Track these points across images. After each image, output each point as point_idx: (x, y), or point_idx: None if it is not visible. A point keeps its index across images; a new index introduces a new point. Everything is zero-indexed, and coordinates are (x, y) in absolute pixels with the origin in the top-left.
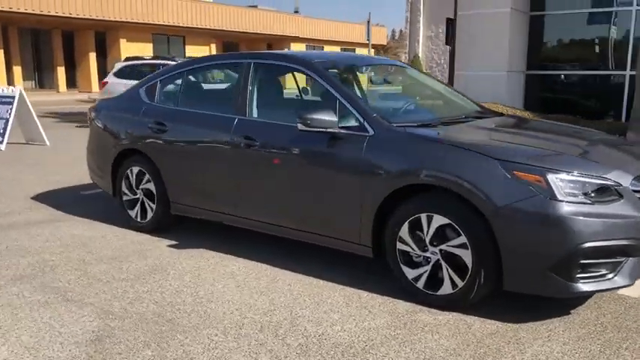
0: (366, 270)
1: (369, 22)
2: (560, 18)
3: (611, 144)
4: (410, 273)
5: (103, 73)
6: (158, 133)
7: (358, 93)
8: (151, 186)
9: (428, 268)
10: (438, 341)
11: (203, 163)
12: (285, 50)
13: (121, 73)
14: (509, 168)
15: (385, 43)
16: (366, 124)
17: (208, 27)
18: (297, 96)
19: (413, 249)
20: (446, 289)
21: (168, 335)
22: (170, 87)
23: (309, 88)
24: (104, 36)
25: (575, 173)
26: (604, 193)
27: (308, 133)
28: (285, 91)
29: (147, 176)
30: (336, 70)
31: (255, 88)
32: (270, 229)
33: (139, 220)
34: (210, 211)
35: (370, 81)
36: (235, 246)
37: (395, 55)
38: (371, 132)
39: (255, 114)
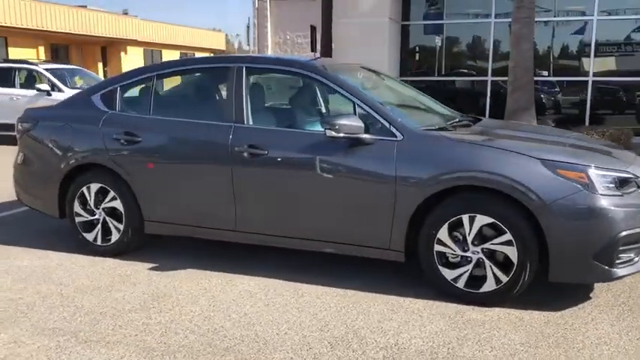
0: (387, 275)
1: (248, 27)
2: (429, 27)
3: (595, 143)
4: (448, 274)
5: None
6: (128, 145)
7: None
8: (117, 204)
9: (469, 267)
10: (507, 336)
11: (191, 176)
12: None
13: None
14: (552, 166)
15: (224, 48)
16: (392, 128)
17: (33, 27)
18: (294, 102)
19: (452, 250)
20: (489, 286)
21: None
22: (135, 93)
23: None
24: None
25: (608, 168)
26: (627, 185)
27: (328, 140)
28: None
29: (111, 194)
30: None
31: (251, 94)
32: (282, 242)
33: (99, 243)
34: (202, 227)
35: None
36: (226, 263)
37: None
38: (399, 137)
39: (254, 121)
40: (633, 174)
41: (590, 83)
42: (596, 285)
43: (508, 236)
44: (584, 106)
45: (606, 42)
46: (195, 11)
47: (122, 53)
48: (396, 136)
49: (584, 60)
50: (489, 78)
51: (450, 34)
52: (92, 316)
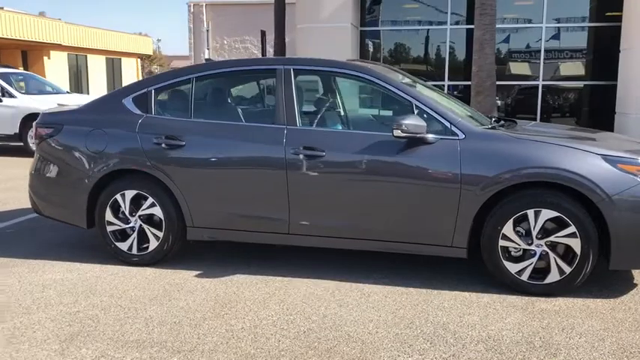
0: (440, 271)
1: (208, 31)
2: (388, 33)
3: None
4: (513, 267)
5: None
6: (170, 149)
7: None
8: (156, 211)
9: (533, 260)
10: (586, 323)
11: (241, 179)
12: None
13: None
14: (612, 161)
15: (151, 53)
16: (453, 127)
17: None
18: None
19: (517, 244)
20: (553, 277)
21: None
22: (173, 96)
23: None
24: None
25: None
26: None
27: (388, 140)
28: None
29: (150, 200)
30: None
31: (301, 96)
32: (340, 244)
33: (133, 252)
34: (252, 231)
35: None
36: (275, 267)
37: (162, 65)
38: (461, 136)
39: (306, 123)
40: None
41: (540, 87)
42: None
43: (572, 229)
44: (534, 108)
45: (554, 48)
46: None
47: (45, 58)
48: (458, 135)
49: (534, 65)
50: (446, 82)
51: (406, 40)
52: (168, 326)
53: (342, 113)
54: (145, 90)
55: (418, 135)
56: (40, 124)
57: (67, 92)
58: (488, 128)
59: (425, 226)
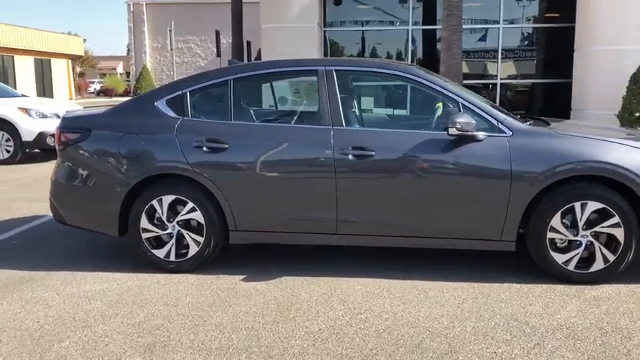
0: (480, 265)
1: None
2: (351, 34)
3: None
4: (560, 258)
5: None
6: (212, 153)
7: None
8: (197, 215)
9: (579, 250)
10: None
11: (288, 180)
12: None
13: None
14: None
15: (82, 54)
16: (500, 125)
17: None
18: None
19: (564, 235)
20: (598, 265)
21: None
22: (210, 99)
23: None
24: None
25: None
26: None
27: (437, 138)
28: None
29: (189, 205)
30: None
31: (343, 97)
32: (389, 242)
33: (171, 259)
34: (298, 233)
35: None
36: (320, 268)
37: (92, 67)
38: (509, 133)
39: (351, 124)
40: None
41: (498, 86)
42: None
43: (616, 219)
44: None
45: (510, 48)
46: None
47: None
48: (505, 133)
49: (493, 64)
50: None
51: (369, 40)
52: (244, 332)
53: (389, 112)
54: (180, 92)
55: (468, 133)
56: (64, 128)
57: (23, 95)
58: (531, 125)
59: (476, 222)
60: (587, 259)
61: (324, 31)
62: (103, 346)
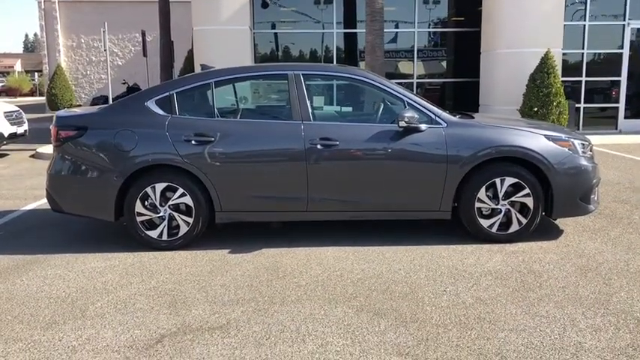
0: (416, 232)
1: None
2: (279, 36)
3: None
4: (485, 223)
5: None
6: (200, 145)
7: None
8: (186, 199)
9: (500, 216)
10: (549, 257)
11: (265, 167)
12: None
13: None
14: (552, 139)
15: None
16: (437, 118)
17: None
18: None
19: (488, 205)
20: (514, 227)
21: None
22: (195, 98)
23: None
24: None
25: (581, 138)
26: (585, 148)
27: (389, 130)
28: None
29: (180, 191)
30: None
31: (310, 97)
32: (350, 216)
33: (164, 238)
34: (274, 212)
35: None
36: (284, 240)
37: None
38: (444, 124)
39: (317, 118)
40: (588, 141)
41: (415, 84)
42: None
43: (527, 190)
44: None
45: (425, 49)
46: None
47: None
48: (441, 124)
49: (409, 64)
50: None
51: (294, 42)
52: (247, 289)
53: (344, 110)
54: (168, 93)
55: (413, 125)
56: (60, 126)
57: None
58: (461, 118)
59: (419, 197)
60: (506, 223)
61: (254, 34)
62: (132, 305)
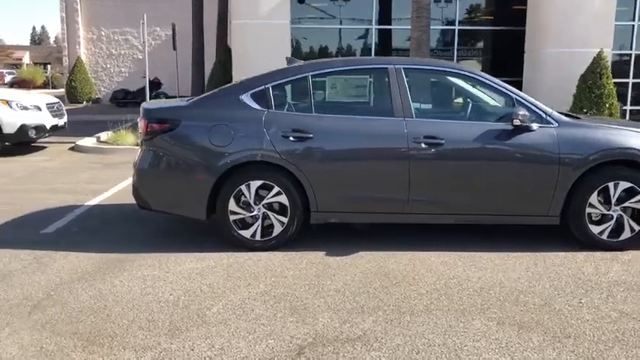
0: (514, 236)
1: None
2: (315, 30)
3: None
4: (595, 229)
5: None
6: (298, 142)
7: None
8: (282, 198)
9: (612, 222)
10: None
11: (366, 166)
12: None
13: None
14: None
15: None
16: (548, 117)
17: None
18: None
19: (599, 210)
20: (626, 234)
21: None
22: (290, 92)
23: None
24: None
25: None
26: None
27: (497, 128)
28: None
29: (275, 189)
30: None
31: (412, 93)
32: (453, 220)
33: (257, 238)
34: (373, 213)
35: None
36: (381, 243)
37: (7, 56)
38: (555, 124)
39: (420, 115)
40: None
41: None
42: None
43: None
44: None
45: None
46: None
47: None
48: (553, 124)
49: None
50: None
51: (334, 38)
52: (366, 295)
53: (452, 105)
54: (263, 87)
55: (526, 124)
56: (151, 119)
57: None
58: (572, 118)
59: (529, 201)
60: (616, 230)
61: (292, 28)
62: (250, 310)
